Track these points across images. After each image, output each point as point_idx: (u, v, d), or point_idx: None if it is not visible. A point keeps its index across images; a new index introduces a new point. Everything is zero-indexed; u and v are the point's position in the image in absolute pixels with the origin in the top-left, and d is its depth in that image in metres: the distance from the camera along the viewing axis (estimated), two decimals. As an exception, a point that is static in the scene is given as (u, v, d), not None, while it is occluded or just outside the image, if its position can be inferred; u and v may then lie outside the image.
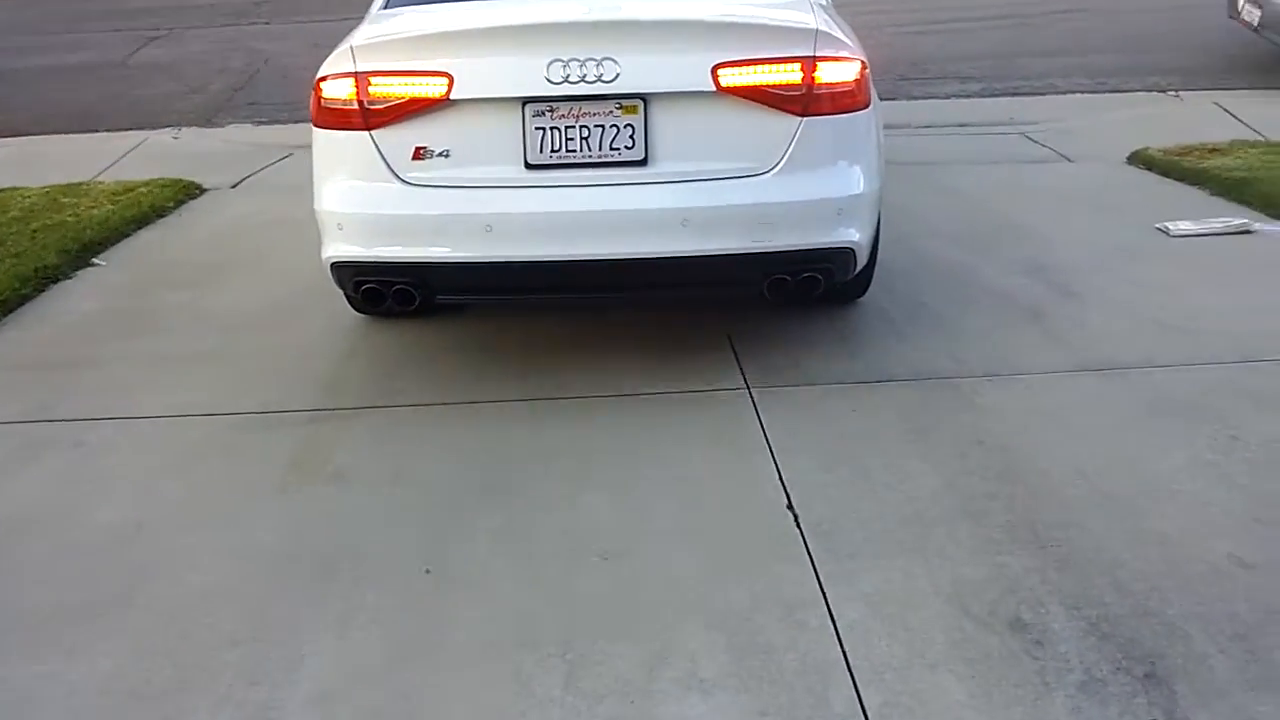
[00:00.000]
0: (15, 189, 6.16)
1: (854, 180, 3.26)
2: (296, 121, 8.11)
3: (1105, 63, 8.52)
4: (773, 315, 3.86)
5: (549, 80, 3.09)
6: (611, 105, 3.12)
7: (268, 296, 4.42)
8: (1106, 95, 7.82)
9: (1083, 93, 7.94)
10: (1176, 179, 5.44)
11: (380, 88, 3.18)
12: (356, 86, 3.19)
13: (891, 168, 6.17)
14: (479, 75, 3.17)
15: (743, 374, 3.49)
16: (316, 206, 3.39)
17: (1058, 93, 7.96)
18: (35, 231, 5.09)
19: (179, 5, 12.93)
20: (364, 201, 3.29)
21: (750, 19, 3.38)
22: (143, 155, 7.08)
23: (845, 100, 3.17)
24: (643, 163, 3.15)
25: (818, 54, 3.13)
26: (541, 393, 3.48)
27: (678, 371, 3.55)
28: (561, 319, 4.06)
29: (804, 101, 3.11)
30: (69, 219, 5.33)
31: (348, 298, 3.70)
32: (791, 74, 3.10)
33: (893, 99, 7.90)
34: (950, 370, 3.46)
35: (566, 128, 3.13)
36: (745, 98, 3.11)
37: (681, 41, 3.24)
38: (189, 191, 6.08)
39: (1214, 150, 5.63)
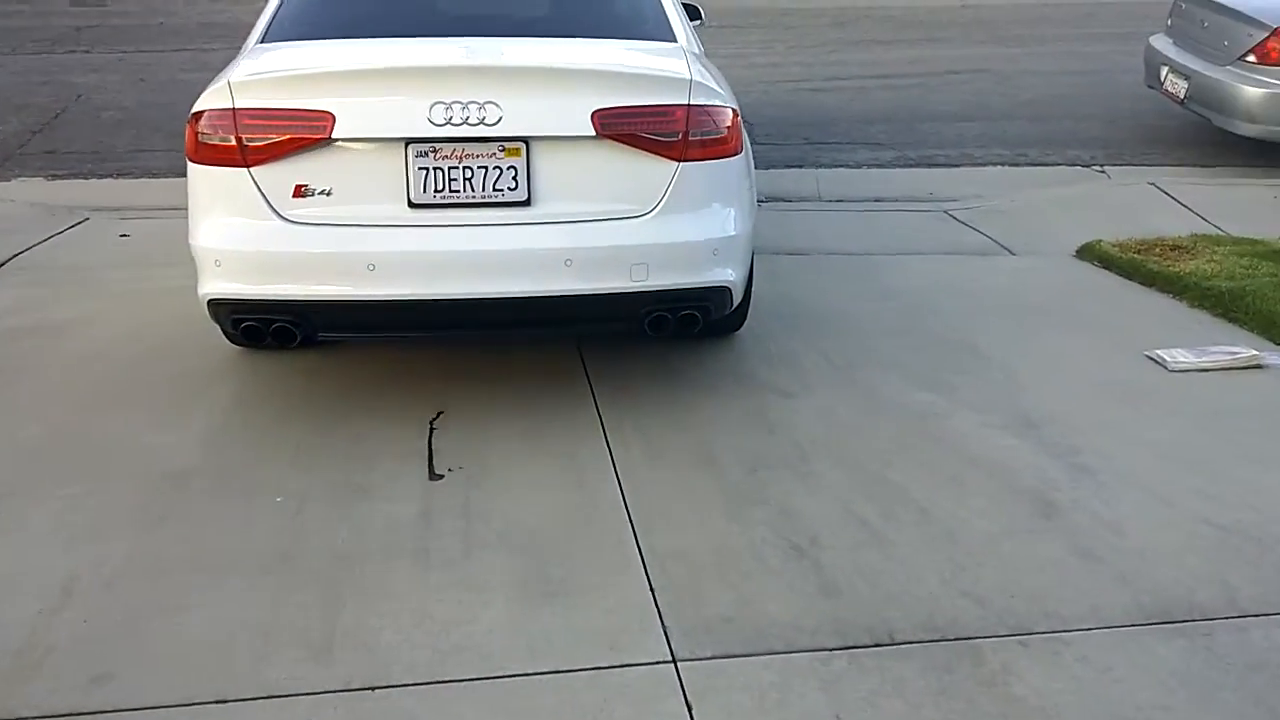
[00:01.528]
0: None
1: (729, 222, 3.39)
2: (103, 175, 6.77)
3: (1018, 131, 7.91)
4: (699, 516, 2.90)
5: (431, 121, 3.13)
6: (494, 147, 3.18)
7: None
8: (1028, 168, 7.16)
9: (1002, 164, 7.26)
10: (1143, 283, 4.69)
11: (259, 126, 3.16)
12: (235, 123, 3.16)
13: (815, 259, 5.27)
14: (362, 115, 3.19)
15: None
16: (192, 242, 3.32)
17: (974, 164, 7.27)
18: None
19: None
20: (243, 238, 3.23)
21: (629, 68, 3.55)
22: (-116, 221, 5.63)
23: (719, 147, 3.33)
24: (526, 203, 3.22)
25: (692, 103, 3.27)
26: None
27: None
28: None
29: (680, 148, 3.25)
30: None
31: (226, 334, 3.65)
32: (668, 122, 3.24)
33: (800, 165, 7.09)
34: (967, 620, 2.46)
35: (450, 168, 3.18)
36: (624, 143, 3.22)
37: (562, 87, 3.35)
38: (-73, 278, 4.70)
39: (1177, 248, 4.92)
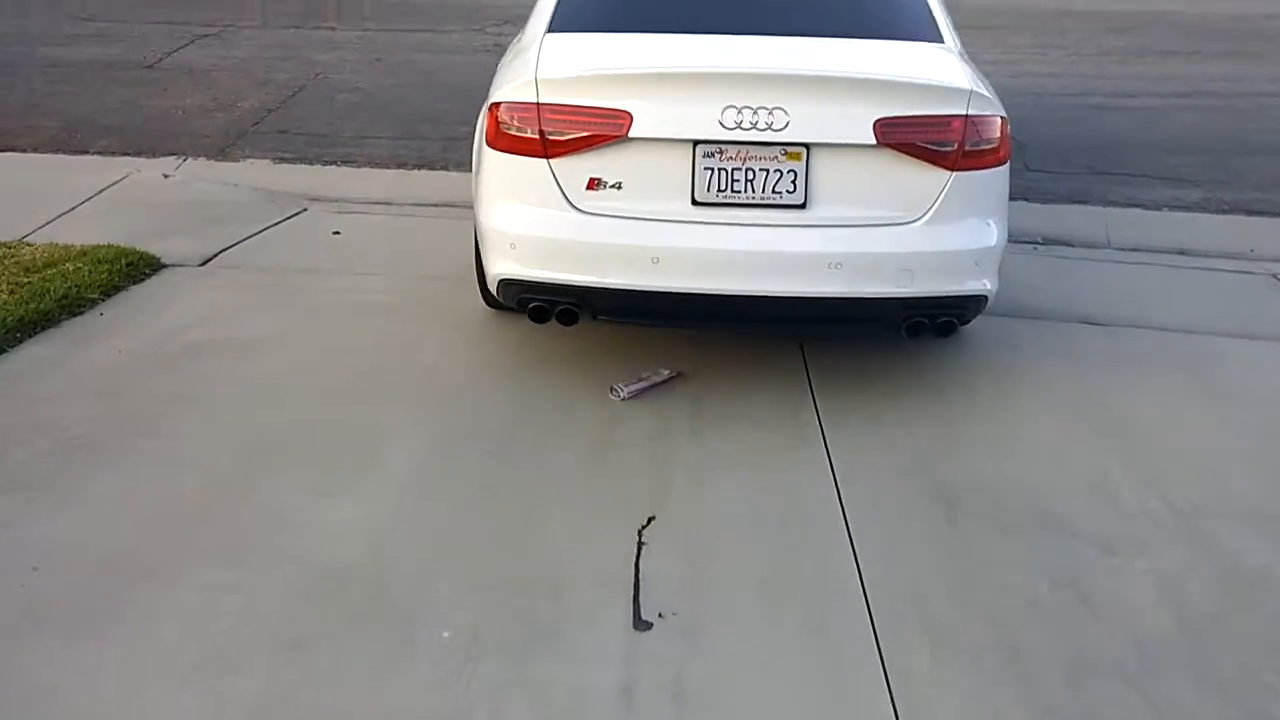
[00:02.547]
0: (-86, 243, 4.66)
1: (991, 233, 3.45)
2: (328, 161, 6.55)
3: (1365, 174, 6.49)
4: None
5: (722, 124, 3.25)
6: (776, 151, 3.28)
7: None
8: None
9: (1346, 217, 5.93)
10: None
11: (562, 121, 3.30)
12: (539, 117, 3.29)
13: (1111, 334, 4.27)
14: (658, 116, 3.29)
15: None
16: (485, 222, 3.50)
17: (1309, 214, 5.97)
18: None
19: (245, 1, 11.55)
20: (539, 226, 3.38)
21: (912, 78, 3.52)
22: (114, 199, 5.55)
23: (990, 157, 3.37)
24: (802, 206, 3.32)
25: (970, 113, 3.31)
26: None
27: None
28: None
29: (955, 157, 3.30)
30: (-71, 317, 3.77)
31: (491, 302, 3.94)
32: (946, 131, 3.29)
33: (1084, 201, 6.02)
34: None
35: (733, 169, 3.29)
36: (902, 151, 3.28)
37: (847, 96, 3.37)
38: (135, 270, 4.50)
39: None
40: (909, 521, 2.92)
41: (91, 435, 3.13)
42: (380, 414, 3.40)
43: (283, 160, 6.56)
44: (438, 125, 7.23)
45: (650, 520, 2.87)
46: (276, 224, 5.38)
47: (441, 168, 6.46)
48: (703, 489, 3.06)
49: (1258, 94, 8.45)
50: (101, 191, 5.60)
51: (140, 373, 3.60)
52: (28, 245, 4.65)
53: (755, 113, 3.23)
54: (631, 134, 3.25)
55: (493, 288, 3.59)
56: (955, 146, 3.29)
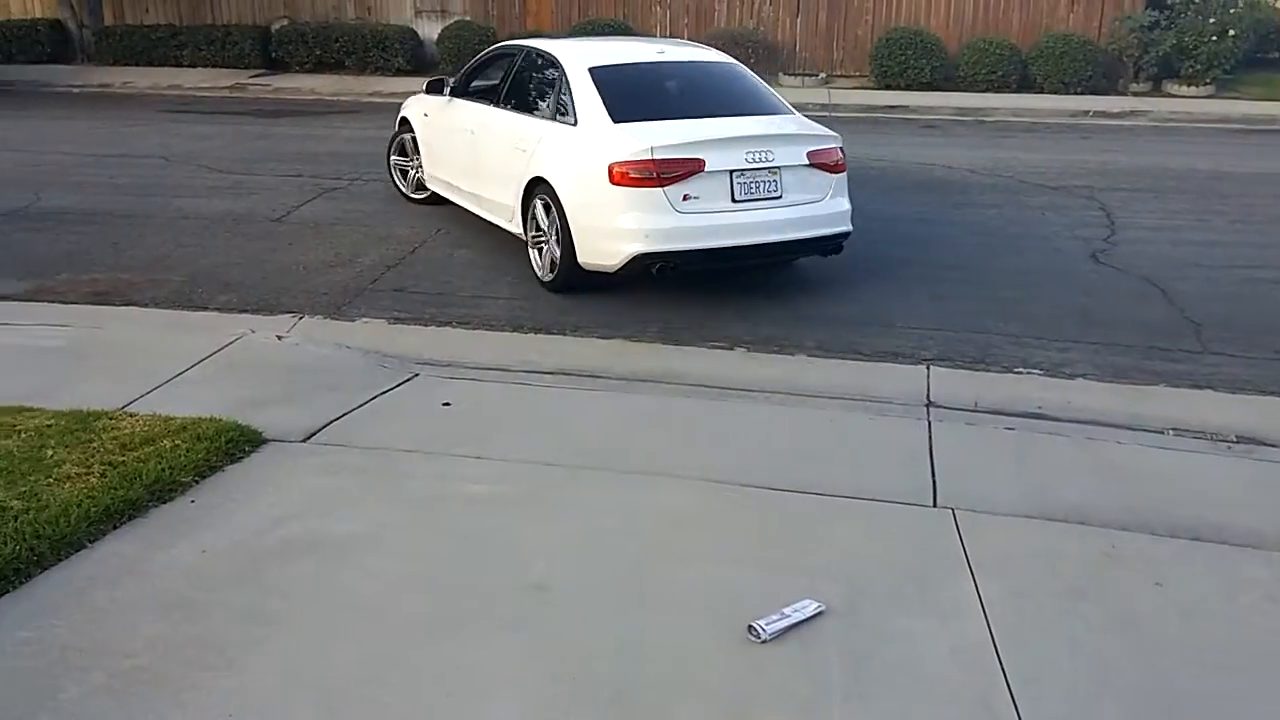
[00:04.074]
0: (24, 409, 4.49)
1: (848, 201, 6.67)
2: (443, 322, 6.34)
3: None
4: None
5: (745, 160, 6.20)
6: (767, 172, 6.28)
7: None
8: None
9: None
10: None
11: (670, 165, 6.05)
12: (655, 166, 6.03)
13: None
14: (715, 160, 6.12)
15: None
16: (615, 224, 6.13)
17: None
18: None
19: (374, 153, 11.83)
20: (658, 222, 6.08)
21: (817, 132, 6.65)
22: (225, 361, 5.37)
23: (842, 167, 6.62)
24: (779, 198, 6.32)
25: (839, 146, 6.61)
26: None
27: None
28: None
29: (836, 168, 6.55)
30: (15, 503, 3.49)
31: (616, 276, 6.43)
32: (834, 155, 6.54)
33: (1277, 393, 5.29)
34: None
35: (749, 182, 6.23)
36: (817, 167, 6.45)
37: (795, 142, 6.46)
38: (234, 448, 4.20)
39: None
40: None
41: (154, 666, 2.73)
42: (482, 653, 2.92)
43: (398, 320, 6.36)
44: (556, 286, 6.98)
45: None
46: (386, 392, 5.09)
47: (558, 332, 6.16)
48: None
49: None
50: (214, 354, 5.43)
51: (220, 581, 3.23)
52: (129, 416, 4.43)
53: (758, 155, 6.22)
54: (706, 170, 6.10)
55: (623, 262, 6.18)
56: (835, 162, 6.54)
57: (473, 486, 4.03)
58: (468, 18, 18.88)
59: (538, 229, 6.84)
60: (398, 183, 9.35)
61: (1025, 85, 16.61)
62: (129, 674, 2.71)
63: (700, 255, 6.16)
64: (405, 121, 9.06)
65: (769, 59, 17.73)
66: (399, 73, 18.26)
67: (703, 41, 17.66)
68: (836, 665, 2.95)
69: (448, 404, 5.01)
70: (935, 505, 3.96)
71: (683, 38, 18.66)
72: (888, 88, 16.76)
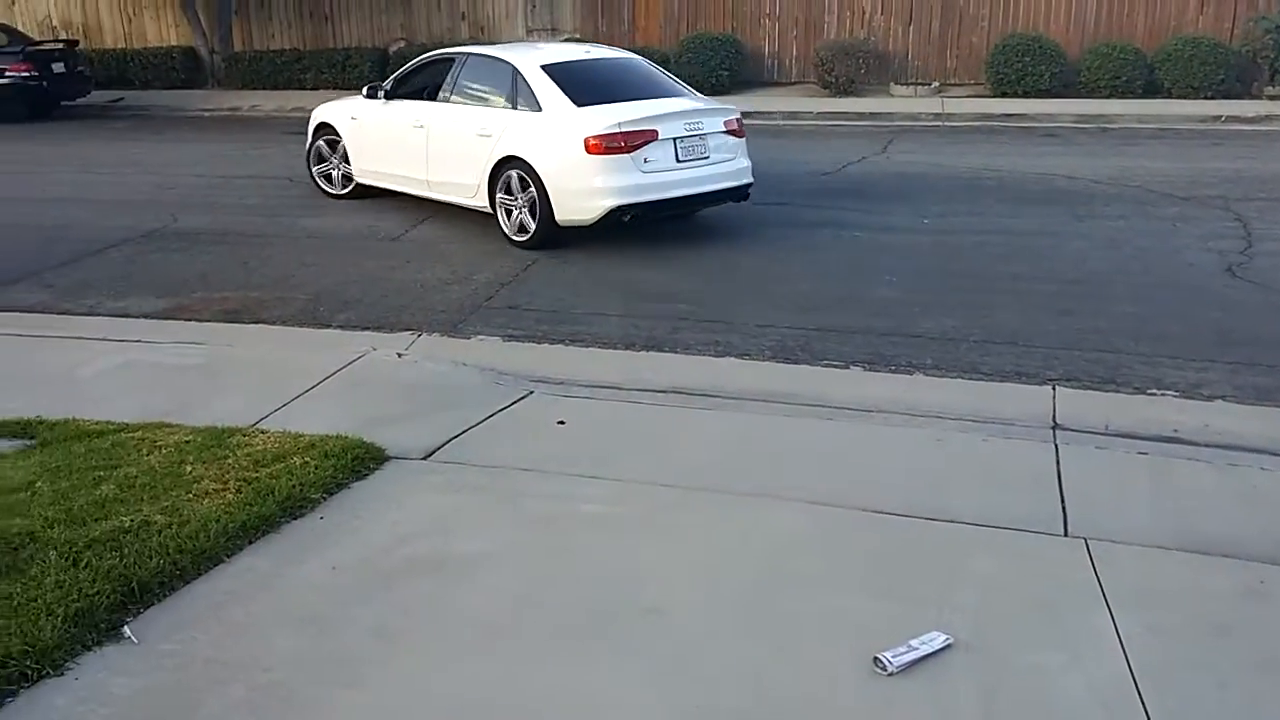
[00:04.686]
0: (164, 425, 4.72)
1: (748, 159, 8.53)
2: (556, 340, 6.42)
3: None
4: None
5: (685, 129, 8.06)
6: (699, 137, 8.10)
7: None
8: None
9: None
10: None
11: (634, 136, 7.84)
12: (623, 137, 7.80)
13: None
14: (664, 129, 7.96)
15: None
16: (593, 184, 7.86)
17: None
18: (89, 546, 3.42)
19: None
20: (634, 179, 7.86)
21: (727, 106, 8.68)
22: (350, 379, 5.53)
23: (743, 133, 8.50)
24: (707, 159, 8.15)
25: (739, 117, 8.49)
26: None
27: None
28: None
29: (740, 133, 8.44)
30: (158, 517, 3.66)
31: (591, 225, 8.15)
32: (739, 124, 8.44)
33: None
34: None
35: (687, 146, 8.06)
36: (730, 134, 8.32)
37: (718, 114, 8.36)
38: (360, 465, 4.32)
39: None
40: None
41: (289, 681, 2.82)
42: (601, 677, 2.93)
43: (512, 337, 6.47)
44: (667, 304, 7.00)
45: None
46: (502, 409, 5.17)
47: (670, 350, 6.17)
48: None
49: None
50: (338, 371, 5.61)
51: (349, 597, 3.32)
52: (261, 433, 4.60)
53: (694, 124, 8.10)
54: (659, 138, 7.90)
55: (601, 215, 7.92)
56: (739, 129, 8.41)
57: (589, 506, 4.05)
58: (577, 35, 19.14)
59: (508, 196, 8.40)
60: (323, 186, 10.49)
61: (1151, 90, 15.95)
62: (267, 688, 2.81)
63: (658, 204, 8.05)
64: (323, 128, 10.31)
65: (879, 69, 17.48)
66: (510, 91, 18.61)
67: (813, 52, 17.55)
68: (967, 700, 2.86)
69: (562, 422, 5.05)
70: (1066, 534, 3.81)
71: (792, 50, 18.56)
72: (1004, 95, 16.31)
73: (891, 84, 17.38)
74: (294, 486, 3.99)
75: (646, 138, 7.86)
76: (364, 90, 9.89)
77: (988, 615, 3.26)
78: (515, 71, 8.55)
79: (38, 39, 19.17)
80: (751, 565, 3.57)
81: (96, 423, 4.72)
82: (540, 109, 8.23)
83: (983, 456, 4.56)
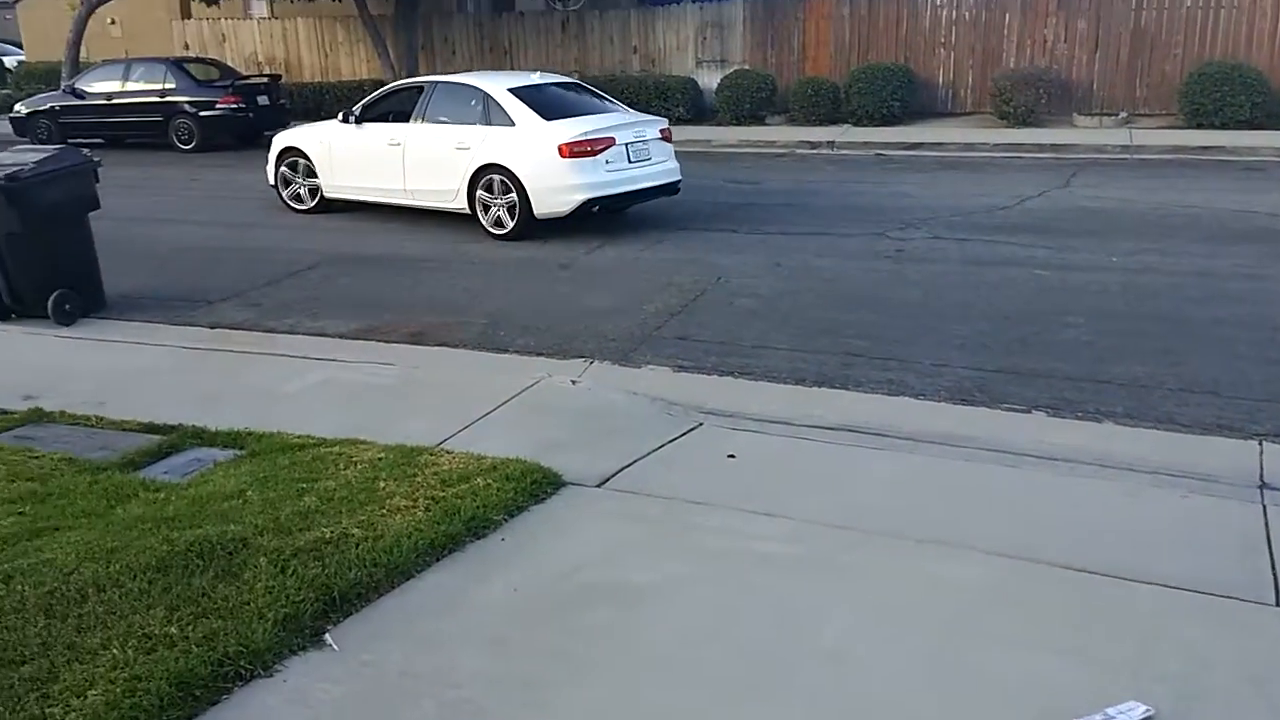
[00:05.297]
0: (358, 441, 4.99)
1: (676, 161, 10.71)
2: (725, 372, 6.44)
3: None
4: None
5: (634, 136, 10.18)
6: (643, 143, 10.25)
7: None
8: None
9: None
10: None
11: (599, 142, 9.86)
12: (590, 144, 9.82)
13: None
14: (619, 136, 10.02)
15: None
16: (568, 182, 9.78)
17: None
18: (295, 554, 3.64)
19: (656, 201, 12.28)
20: (601, 177, 9.85)
21: (659, 119, 11.01)
22: (526, 404, 5.71)
23: (671, 138, 10.74)
24: (650, 159, 10.27)
25: (668, 126, 10.88)
26: None
27: None
28: None
29: (669, 140, 10.65)
30: (355, 530, 3.87)
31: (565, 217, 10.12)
32: (668, 131, 10.72)
33: None
34: None
35: (636, 151, 10.16)
36: (663, 139, 10.54)
37: (652, 124, 10.57)
38: (538, 489, 4.45)
39: None
40: None
41: (479, 700, 2.93)
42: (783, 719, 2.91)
43: (682, 369, 6.53)
44: (837, 338, 6.93)
45: None
46: (672, 440, 5.23)
47: (841, 386, 6.09)
48: None
49: None
50: (516, 395, 5.79)
51: (531, 620, 3.42)
52: (446, 454, 4.80)
53: (638, 133, 10.20)
54: (616, 144, 9.91)
55: (575, 207, 9.82)
56: (669, 136, 10.62)
57: (763, 544, 4.04)
58: (746, 66, 19.27)
59: (490, 196, 10.25)
60: (293, 205, 12.02)
61: (1368, 121, 14.78)
62: (456, 705, 2.92)
63: (619, 197, 10.13)
64: (287, 153, 11.90)
65: (1061, 99, 16.84)
66: (678, 121, 18.86)
67: (990, 82, 17.06)
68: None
69: (732, 456, 5.06)
70: (1278, 604, 3.54)
71: (967, 79, 18.11)
72: (1199, 127, 15.42)
73: (1074, 114, 16.70)
74: (478, 507, 4.15)
75: (607, 143, 9.86)
76: (339, 116, 11.55)
77: (1192, 687, 3.07)
78: (486, 95, 10.44)
79: (245, 74, 20.72)
80: (935, 616, 3.48)
81: (298, 436, 5.04)
82: (514, 124, 10.11)
83: (1182, 514, 4.29)
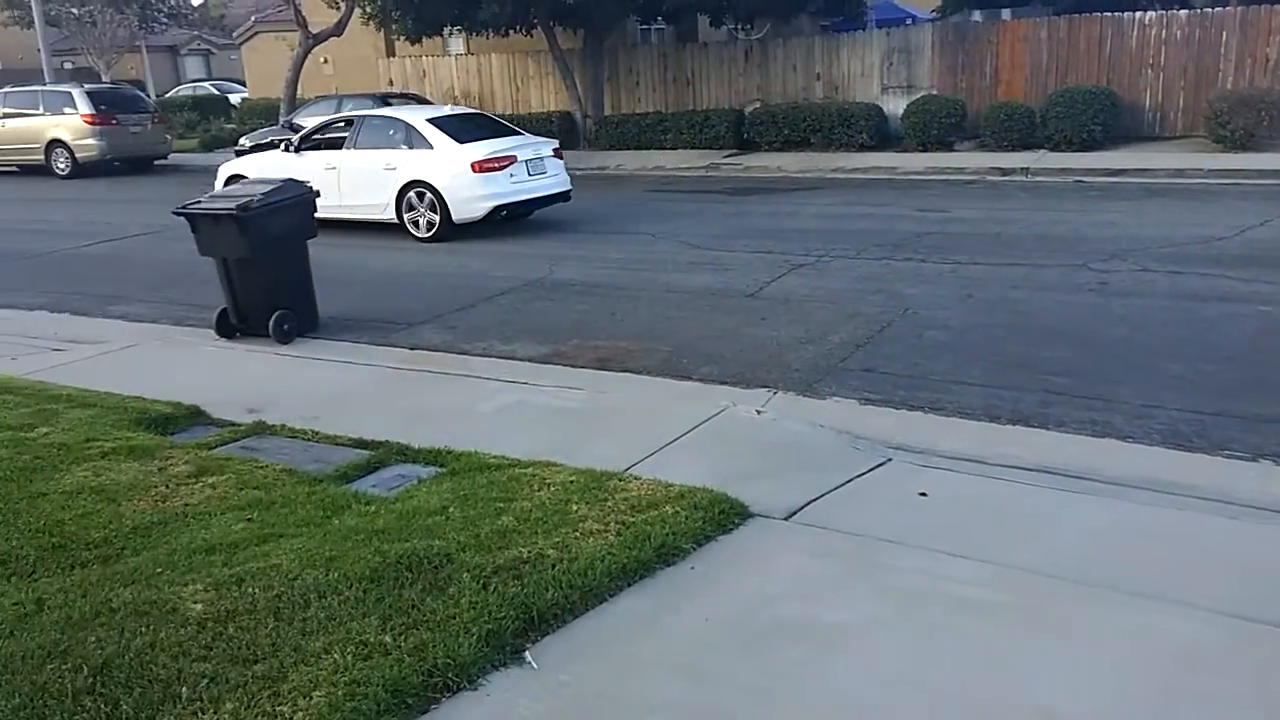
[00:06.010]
0: (549, 463, 5.14)
1: (566, 173, 13.56)
2: (914, 406, 6.27)
3: None
4: None
5: (532, 154, 12.95)
6: (539, 160, 13.03)
7: None
8: None
9: None
10: None
11: (503, 160, 12.55)
12: (496, 161, 12.48)
13: None
14: (520, 154, 12.75)
15: None
16: (480, 193, 12.42)
17: None
18: (495, 572, 3.78)
19: (839, 229, 12.17)
20: (506, 188, 12.54)
21: (552, 140, 13.98)
22: (711, 433, 5.74)
23: (561, 156, 13.54)
24: (545, 173, 13.05)
25: (558, 146, 13.68)
26: None
27: None
28: None
29: (560, 157, 13.49)
30: (551, 551, 3.98)
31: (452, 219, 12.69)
32: (560, 152, 13.61)
33: None
34: None
35: (534, 166, 12.90)
36: (555, 156, 13.33)
37: (546, 144, 13.44)
38: (725, 519, 4.46)
39: None
40: None
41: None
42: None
43: (868, 401, 6.40)
44: (1034, 374, 6.64)
45: None
46: (860, 475, 5.13)
47: (1039, 425, 5.82)
48: None
49: None
50: (701, 424, 5.83)
51: (723, 651, 3.42)
52: (634, 479, 4.88)
53: (535, 150, 13.01)
54: (518, 161, 12.61)
55: (486, 213, 12.44)
56: (560, 154, 13.51)
57: (960, 588, 3.90)
58: (934, 91, 18.83)
59: (411, 210, 12.72)
60: None
61: None
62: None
63: (522, 203, 12.69)
64: (233, 179, 13.53)
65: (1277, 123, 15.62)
66: (862, 148, 18.63)
67: (1204, 104, 16.02)
68: None
69: (924, 494, 4.92)
70: None
71: (1177, 102, 17.08)
72: None
73: (1298, 138, 15.47)
74: (667, 535, 4.19)
75: (510, 160, 12.48)
76: (280, 147, 14.08)
77: None
78: (408, 124, 13.00)
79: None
80: (1153, 676, 3.26)
81: (494, 456, 5.24)
82: (433, 147, 12.64)
83: None
